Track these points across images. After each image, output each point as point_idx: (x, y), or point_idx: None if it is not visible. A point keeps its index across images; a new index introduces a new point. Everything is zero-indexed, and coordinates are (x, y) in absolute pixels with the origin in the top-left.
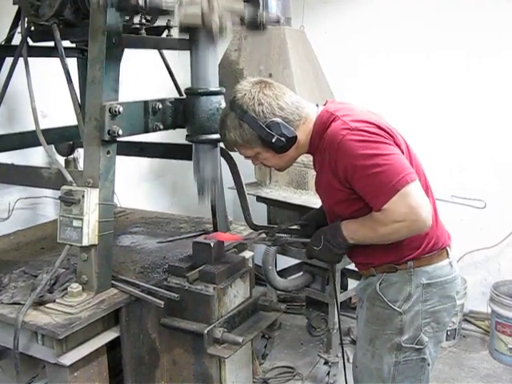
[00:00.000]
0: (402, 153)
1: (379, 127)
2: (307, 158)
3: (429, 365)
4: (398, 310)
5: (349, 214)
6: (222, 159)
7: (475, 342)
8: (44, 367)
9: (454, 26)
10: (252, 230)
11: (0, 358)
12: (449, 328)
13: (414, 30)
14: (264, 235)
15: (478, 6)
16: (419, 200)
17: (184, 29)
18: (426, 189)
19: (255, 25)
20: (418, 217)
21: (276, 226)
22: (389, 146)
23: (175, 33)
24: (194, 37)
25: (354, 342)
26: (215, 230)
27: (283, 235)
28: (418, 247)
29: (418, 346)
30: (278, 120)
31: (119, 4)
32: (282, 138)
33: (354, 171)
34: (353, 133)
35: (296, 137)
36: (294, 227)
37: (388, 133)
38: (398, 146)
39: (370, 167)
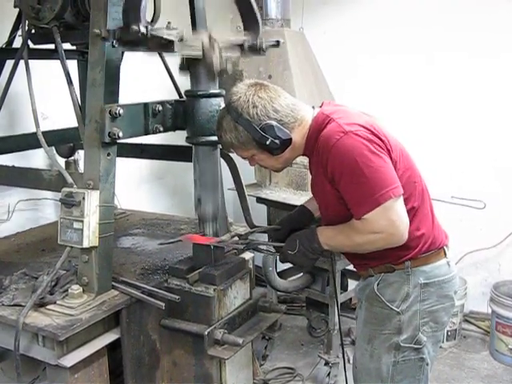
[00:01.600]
0: (395, 158)
1: (373, 133)
2: (307, 160)
3: (427, 364)
4: (396, 309)
5: (343, 217)
6: (222, 160)
7: (475, 343)
8: (45, 369)
9: (454, 27)
10: (227, 233)
11: (1, 360)
12: (449, 328)
13: (414, 31)
14: (237, 238)
15: (479, 7)
16: (400, 215)
17: (184, 66)
18: (422, 189)
19: (254, 50)
20: (395, 230)
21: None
22: (379, 158)
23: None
24: (195, 70)
25: (354, 342)
26: (215, 231)
27: (256, 239)
28: (415, 247)
29: (416, 346)
30: (273, 122)
31: (120, 33)
32: (277, 141)
33: (341, 176)
34: (347, 137)
35: (291, 139)
36: (270, 230)
37: (381, 139)
38: (390, 151)
39: (357, 176)
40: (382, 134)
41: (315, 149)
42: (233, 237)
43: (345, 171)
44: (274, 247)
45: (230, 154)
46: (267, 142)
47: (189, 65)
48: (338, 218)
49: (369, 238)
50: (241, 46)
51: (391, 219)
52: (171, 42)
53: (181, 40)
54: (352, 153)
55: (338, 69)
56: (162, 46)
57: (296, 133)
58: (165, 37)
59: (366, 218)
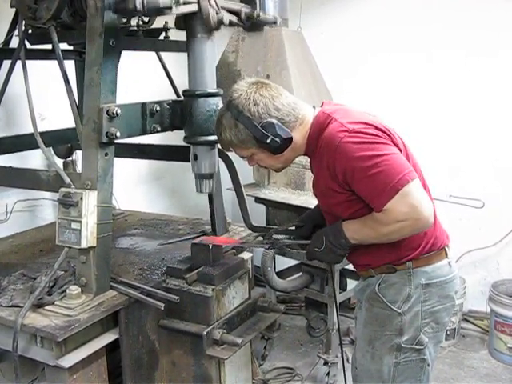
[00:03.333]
0: (400, 152)
1: (376, 128)
2: (305, 159)
3: (429, 365)
4: (397, 310)
5: (348, 215)
6: (220, 161)
7: (474, 342)
8: (43, 369)
9: (453, 25)
10: (249, 232)
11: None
12: (448, 328)
13: (412, 30)
14: (261, 238)
15: (478, 5)
16: (420, 198)
17: (181, 24)
18: (424, 189)
19: (252, 24)
20: (419, 215)
21: (273, 227)
22: (387, 146)
23: (172, 35)
24: (192, 31)
25: (353, 342)
26: (213, 231)
27: (280, 237)
28: (417, 247)
29: (417, 347)
30: (274, 121)
31: (116, 6)
32: (277, 139)
33: (353, 173)
34: (350, 135)
35: (291, 138)
36: (291, 228)
37: (385, 132)
38: (396, 145)
39: (369, 168)
40: (384, 128)
41: (317, 149)
42: (256, 237)
43: (356, 168)
44: (299, 245)
45: (229, 154)
46: (268, 140)
47: (185, 21)
48: (339, 214)
49: (394, 227)
50: (239, 18)
51: (412, 205)
52: (168, 41)
53: (177, 2)
54: (359, 149)
55: (337, 68)
56: (159, 10)
57: (297, 132)
58: (161, 6)
59: (387, 208)
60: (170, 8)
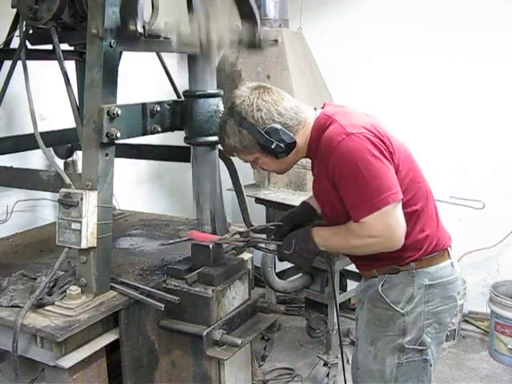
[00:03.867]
0: (397, 161)
1: (375, 135)
2: (306, 160)
3: (431, 365)
4: (400, 311)
5: (344, 218)
6: (221, 161)
7: (475, 343)
8: (43, 370)
9: (453, 25)
10: (229, 231)
11: None
12: (448, 329)
13: (413, 30)
14: (238, 236)
15: (480, 5)
16: (397, 220)
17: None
18: (426, 190)
19: (253, 44)
20: (392, 235)
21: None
22: (380, 162)
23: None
24: (193, 68)
25: (353, 342)
26: (214, 231)
27: (256, 236)
28: (420, 248)
29: (420, 347)
30: (277, 126)
31: (118, 32)
32: (282, 144)
33: (340, 178)
34: (349, 138)
35: (295, 142)
36: (271, 227)
37: (383, 141)
38: (392, 153)
39: (357, 179)
40: (384, 136)
41: (318, 150)
42: (233, 234)
43: (345, 174)
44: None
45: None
46: (272, 146)
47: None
48: (340, 218)
49: (366, 241)
50: (240, 39)
51: (389, 224)
52: (169, 41)
53: (179, 36)
54: (353, 156)
55: (337, 68)
56: (160, 44)
57: (299, 135)
58: (162, 35)
59: (364, 221)
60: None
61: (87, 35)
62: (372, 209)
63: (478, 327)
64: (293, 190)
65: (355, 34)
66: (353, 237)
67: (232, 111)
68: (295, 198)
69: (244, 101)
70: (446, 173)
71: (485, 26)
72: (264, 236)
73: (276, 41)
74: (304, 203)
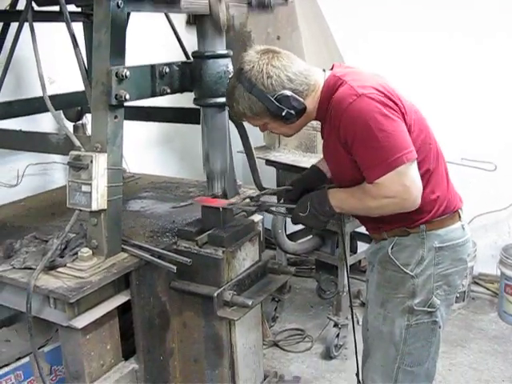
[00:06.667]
0: (409, 121)
1: (386, 95)
2: (316, 122)
3: (440, 327)
4: (410, 273)
5: (356, 182)
6: (231, 123)
7: (484, 304)
8: (57, 330)
9: (453, 6)
10: (237, 196)
11: (14, 322)
12: (458, 290)
13: (413, 10)
14: (248, 200)
15: None
16: (413, 180)
17: (191, 21)
18: (437, 152)
19: (262, 5)
20: (409, 196)
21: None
22: (393, 121)
23: None
24: (201, 27)
25: (363, 304)
26: (224, 193)
27: (268, 200)
28: (430, 210)
29: (429, 309)
30: (288, 93)
31: None
32: (292, 111)
33: (353, 140)
34: (360, 100)
35: (305, 108)
36: (281, 191)
37: (395, 101)
38: (404, 114)
39: (370, 140)
40: (395, 96)
41: (327, 113)
42: (244, 199)
43: (357, 135)
44: (286, 209)
45: None
46: (283, 113)
47: (196, 20)
48: (351, 183)
49: (381, 202)
50: (248, 1)
51: (404, 184)
52: (177, 2)
53: None
54: (365, 116)
55: (349, 30)
56: (168, 2)
57: (309, 99)
58: None
59: (379, 182)
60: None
61: None
62: (387, 169)
63: (488, 289)
64: (303, 152)
65: (355, 13)
66: (368, 198)
67: (241, 77)
68: (305, 160)
69: (253, 67)
70: (458, 134)
71: (485, 6)
72: (275, 199)
73: (286, 0)
74: (313, 167)
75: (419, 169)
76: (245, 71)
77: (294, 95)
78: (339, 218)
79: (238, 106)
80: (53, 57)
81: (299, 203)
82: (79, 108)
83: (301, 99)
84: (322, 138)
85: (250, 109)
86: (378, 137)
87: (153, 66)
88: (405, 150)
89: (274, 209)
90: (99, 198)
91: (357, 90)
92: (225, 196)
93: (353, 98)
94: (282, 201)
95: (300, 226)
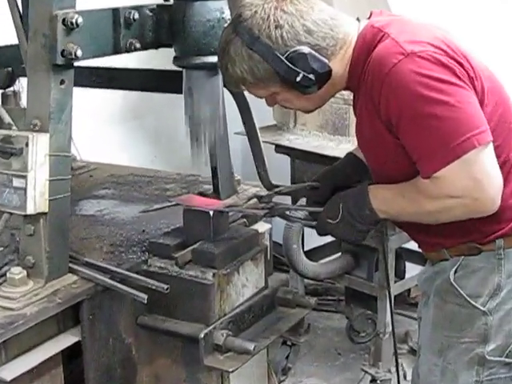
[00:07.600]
0: (480, 90)
1: (447, 53)
2: (348, 92)
3: None
4: (481, 308)
5: (403, 175)
6: (226, 91)
7: None
8: None
9: None
10: (237, 193)
11: None
12: None
13: None
14: (256, 201)
15: None
16: (488, 172)
17: None
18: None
19: None
20: (481, 194)
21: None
22: (457, 88)
23: None
24: None
25: (413, 351)
26: (216, 191)
27: (281, 202)
28: (510, 219)
29: (508, 360)
30: (305, 49)
31: None
32: (311, 75)
33: (400, 116)
34: (409, 60)
35: (331, 71)
36: (302, 189)
37: (459, 62)
38: (474, 79)
39: (425, 117)
40: (460, 55)
41: (363, 78)
42: (249, 199)
43: (406, 111)
44: (310, 213)
45: None
46: (298, 79)
47: None
48: (397, 178)
49: (444, 203)
50: None
51: (475, 178)
52: None
53: None
54: (415, 84)
55: None
56: None
57: (337, 60)
58: None
59: (439, 176)
60: None
61: None
62: (449, 157)
63: None
64: (330, 135)
65: None
66: (425, 198)
67: (239, 27)
68: (334, 146)
69: (256, 12)
70: None
71: None
72: (289, 201)
73: None
74: (349, 155)
75: (496, 157)
76: (244, 18)
77: (314, 53)
78: (380, 228)
79: (234, 68)
80: None
81: (328, 205)
82: (9, 69)
83: (324, 59)
84: (355, 113)
85: (251, 72)
86: (435, 112)
87: (116, 11)
88: (475, 130)
89: (291, 213)
90: (37, 197)
91: (404, 46)
92: (217, 195)
93: (398, 57)
94: (300, 202)
95: (325, 239)
